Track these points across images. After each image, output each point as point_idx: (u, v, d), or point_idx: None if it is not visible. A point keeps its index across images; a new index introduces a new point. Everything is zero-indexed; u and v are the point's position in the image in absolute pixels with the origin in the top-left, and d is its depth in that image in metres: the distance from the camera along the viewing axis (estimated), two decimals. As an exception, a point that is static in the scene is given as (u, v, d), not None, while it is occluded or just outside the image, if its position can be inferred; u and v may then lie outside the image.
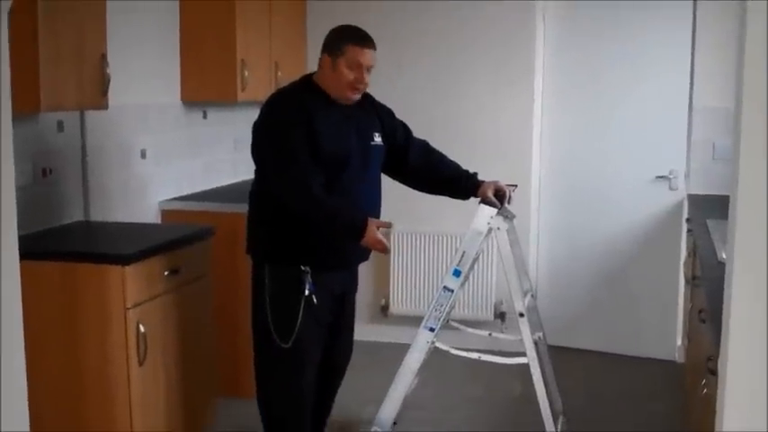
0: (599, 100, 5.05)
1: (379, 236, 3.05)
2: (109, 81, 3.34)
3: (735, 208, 1.60)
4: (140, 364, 3.10)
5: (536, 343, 3.44)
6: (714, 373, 2.02)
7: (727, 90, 4.22)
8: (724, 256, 2.72)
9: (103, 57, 3.32)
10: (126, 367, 3.07)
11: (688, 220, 4.60)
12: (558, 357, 3.98)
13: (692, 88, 4.87)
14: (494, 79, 5.07)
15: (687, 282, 4.37)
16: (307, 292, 3.16)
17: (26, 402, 2.27)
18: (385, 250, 3.12)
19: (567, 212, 5.23)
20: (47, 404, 3.00)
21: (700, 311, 2.93)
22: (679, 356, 4.92)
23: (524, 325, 3.36)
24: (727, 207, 1.67)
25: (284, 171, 3.08)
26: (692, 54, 4.83)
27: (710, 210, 4.10)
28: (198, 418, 3.61)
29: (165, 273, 3.26)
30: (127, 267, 3.03)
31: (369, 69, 3.18)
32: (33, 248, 2.98)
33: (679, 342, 4.96)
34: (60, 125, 3.50)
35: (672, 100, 4.89)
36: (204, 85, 4.40)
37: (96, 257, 3.09)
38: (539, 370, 3.37)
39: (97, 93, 3.31)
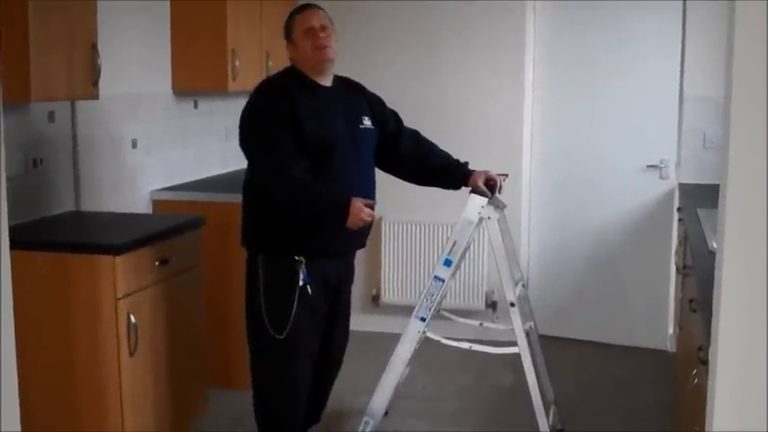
0: (590, 90, 5.04)
1: (365, 209, 3.06)
2: (99, 71, 3.31)
3: (724, 197, 1.59)
4: (131, 354, 3.09)
5: (527, 333, 3.43)
6: (705, 362, 2.01)
7: (717, 79, 4.15)
8: (714, 245, 2.71)
9: (94, 46, 3.30)
10: (117, 358, 3.06)
11: (679, 209, 4.59)
12: (549, 347, 3.95)
13: (682, 77, 4.87)
14: (485, 70, 5.06)
15: (678, 271, 4.37)
16: (301, 283, 3.15)
17: (17, 396, 2.27)
18: (371, 216, 3.12)
19: (558, 202, 5.21)
20: (37, 395, 3.01)
21: (690, 301, 2.91)
22: (670, 346, 4.92)
23: (515, 314, 3.35)
24: (717, 196, 1.66)
25: (266, 158, 3.11)
26: (683, 43, 4.83)
27: (701, 199, 4.07)
28: (189, 409, 3.61)
29: (156, 263, 3.25)
30: (117, 258, 3.02)
31: (324, 29, 3.20)
32: (23, 238, 2.97)
33: (671, 331, 4.96)
34: (51, 115, 3.49)
35: (662, 89, 4.88)
36: (195, 75, 4.38)
37: (87, 247, 3.08)
38: (530, 360, 3.36)
39: (88, 83, 3.30)
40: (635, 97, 4.93)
